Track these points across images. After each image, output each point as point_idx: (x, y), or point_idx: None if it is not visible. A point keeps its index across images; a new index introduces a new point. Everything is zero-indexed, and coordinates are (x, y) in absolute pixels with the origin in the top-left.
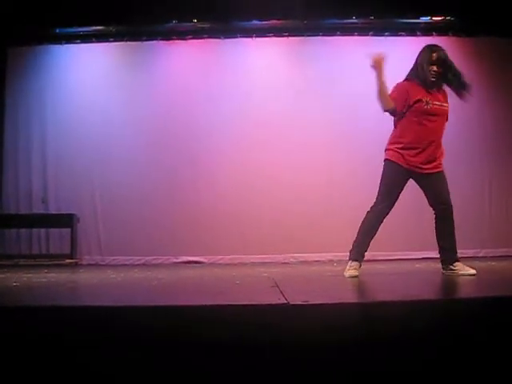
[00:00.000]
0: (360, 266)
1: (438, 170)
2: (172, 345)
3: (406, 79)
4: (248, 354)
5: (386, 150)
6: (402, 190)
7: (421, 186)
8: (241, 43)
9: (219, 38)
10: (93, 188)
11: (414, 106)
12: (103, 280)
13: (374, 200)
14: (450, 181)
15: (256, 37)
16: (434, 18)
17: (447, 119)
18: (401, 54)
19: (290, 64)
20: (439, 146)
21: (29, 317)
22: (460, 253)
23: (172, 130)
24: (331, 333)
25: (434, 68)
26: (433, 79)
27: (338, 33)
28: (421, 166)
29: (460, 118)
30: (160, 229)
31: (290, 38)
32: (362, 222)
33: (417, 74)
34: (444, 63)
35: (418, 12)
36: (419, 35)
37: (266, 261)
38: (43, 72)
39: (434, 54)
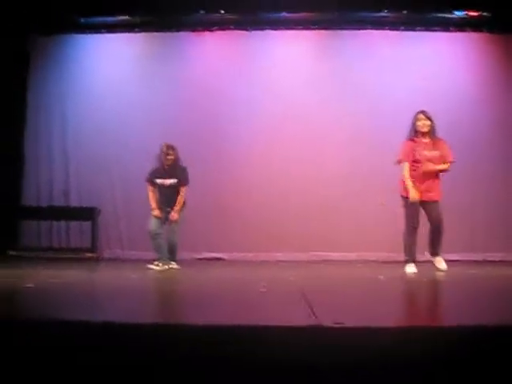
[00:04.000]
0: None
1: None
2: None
3: None
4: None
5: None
6: None
7: None
8: (268, 35)
9: (246, 29)
10: (114, 181)
11: None
12: (120, 284)
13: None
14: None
15: (284, 29)
16: (468, 13)
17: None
18: (432, 50)
19: (318, 58)
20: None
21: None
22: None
23: (196, 123)
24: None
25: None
26: None
27: (369, 26)
28: None
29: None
30: (182, 223)
31: (319, 31)
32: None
33: None
34: None
35: (452, 6)
36: (452, 30)
37: (289, 259)
38: (67, 61)
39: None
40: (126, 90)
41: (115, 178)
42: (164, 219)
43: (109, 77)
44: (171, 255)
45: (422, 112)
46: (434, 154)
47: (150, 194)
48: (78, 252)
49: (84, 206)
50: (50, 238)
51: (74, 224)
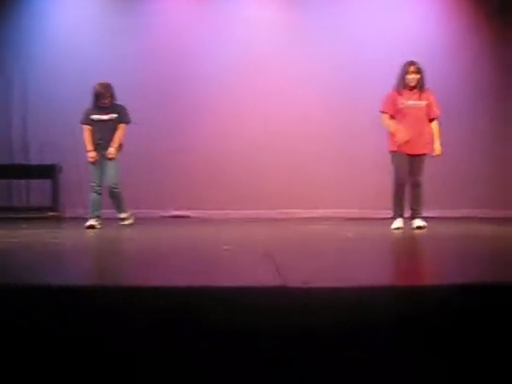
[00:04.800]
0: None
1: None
2: (144, 330)
3: None
4: (236, 340)
5: None
6: None
7: None
8: None
9: None
10: (75, 137)
11: None
12: (80, 243)
13: None
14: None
15: None
16: None
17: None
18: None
19: (290, 6)
20: None
21: None
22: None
23: (164, 78)
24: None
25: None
26: None
27: None
28: None
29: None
30: (147, 181)
31: None
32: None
33: None
34: None
35: None
36: None
37: (256, 216)
38: (23, 16)
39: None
40: (88, 44)
41: (77, 134)
42: (101, 165)
43: (68, 30)
44: (118, 207)
45: (412, 64)
46: (419, 103)
47: (86, 135)
48: (39, 211)
49: (44, 163)
50: (9, 198)
51: (34, 182)
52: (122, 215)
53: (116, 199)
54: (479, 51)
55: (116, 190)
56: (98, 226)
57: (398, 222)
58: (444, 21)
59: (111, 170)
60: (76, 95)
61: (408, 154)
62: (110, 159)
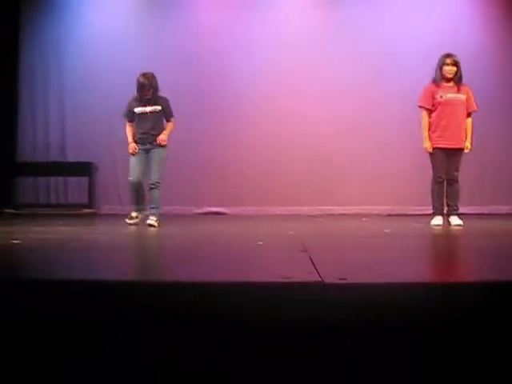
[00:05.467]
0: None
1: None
2: (181, 327)
3: None
4: (272, 336)
5: None
6: None
7: None
8: None
9: None
10: (112, 136)
11: None
12: (115, 239)
13: None
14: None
15: None
16: None
17: None
18: None
19: (321, 6)
20: None
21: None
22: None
23: (195, 79)
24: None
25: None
26: None
27: None
28: None
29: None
30: (182, 178)
31: None
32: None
33: None
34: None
35: None
36: None
37: (292, 213)
38: (60, 17)
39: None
40: (124, 41)
41: (113, 133)
42: (144, 161)
43: (105, 28)
44: (152, 203)
45: (449, 56)
46: (459, 97)
47: (128, 129)
48: (76, 208)
49: (80, 160)
50: (47, 195)
51: (71, 180)
52: (152, 214)
53: (153, 196)
54: None
55: (155, 189)
56: (138, 221)
57: (438, 219)
58: (480, 18)
59: (154, 165)
60: (112, 95)
61: (445, 149)
62: (161, 146)
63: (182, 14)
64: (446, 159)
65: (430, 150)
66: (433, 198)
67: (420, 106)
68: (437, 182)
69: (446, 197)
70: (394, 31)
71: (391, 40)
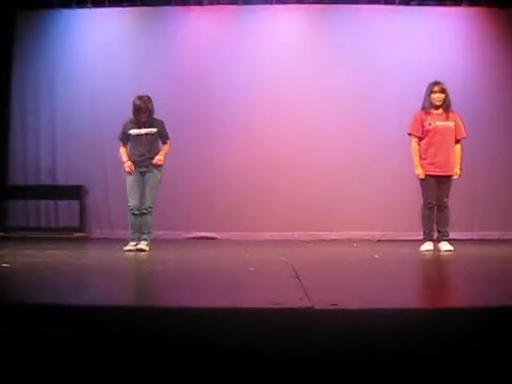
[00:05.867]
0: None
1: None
2: (170, 351)
3: None
4: (262, 362)
5: None
6: None
7: None
8: (259, 10)
9: (236, 3)
10: (103, 159)
11: None
12: (105, 264)
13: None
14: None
15: (275, 3)
16: None
17: None
18: (427, 25)
19: (310, 33)
20: None
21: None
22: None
23: (185, 99)
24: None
25: None
26: None
27: (364, 1)
28: None
29: (487, 92)
30: (172, 203)
31: (312, 5)
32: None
33: None
34: None
35: None
36: (448, 5)
37: (282, 238)
38: (53, 37)
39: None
40: (116, 65)
41: (105, 156)
42: (140, 185)
43: (97, 53)
44: (144, 229)
45: (436, 84)
46: (448, 124)
47: (122, 149)
48: (67, 232)
49: (71, 184)
50: (37, 218)
51: (62, 203)
52: (144, 239)
53: (146, 221)
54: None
55: (148, 214)
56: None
57: (428, 245)
58: (470, 47)
59: (148, 190)
60: (104, 117)
61: (436, 176)
62: (157, 167)
63: (170, 39)
64: (436, 186)
65: (422, 177)
66: (423, 223)
67: (409, 134)
68: (427, 207)
69: (436, 223)
70: (381, 59)
71: (380, 67)
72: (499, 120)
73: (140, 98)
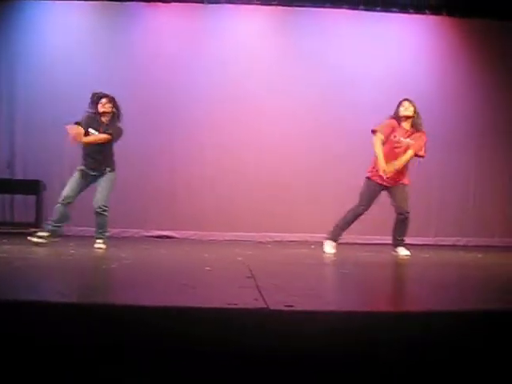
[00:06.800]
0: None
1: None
2: (123, 348)
3: None
4: (215, 362)
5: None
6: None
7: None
8: (225, 9)
9: (202, 2)
10: (62, 154)
11: None
12: (56, 260)
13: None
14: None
15: (241, 3)
16: None
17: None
18: (392, 31)
19: (275, 34)
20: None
21: None
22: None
23: (148, 96)
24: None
25: None
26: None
27: (328, 5)
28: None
29: (449, 100)
30: (131, 200)
31: (278, 7)
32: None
33: None
34: None
35: None
36: (412, 13)
37: (241, 239)
38: (13, 30)
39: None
40: (77, 59)
41: (64, 151)
42: (86, 183)
43: (59, 45)
44: (99, 228)
45: (406, 99)
46: (409, 142)
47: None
48: (22, 227)
49: (29, 178)
50: None
51: (18, 198)
52: (99, 238)
53: (101, 221)
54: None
55: (104, 213)
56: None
57: (332, 247)
58: (433, 55)
59: (103, 190)
60: (64, 111)
61: (384, 185)
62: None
63: (133, 36)
64: (379, 194)
65: (387, 174)
66: (338, 223)
67: (375, 130)
68: (357, 212)
69: (397, 230)
70: (344, 63)
71: (342, 70)
72: (455, 126)
73: (105, 96)
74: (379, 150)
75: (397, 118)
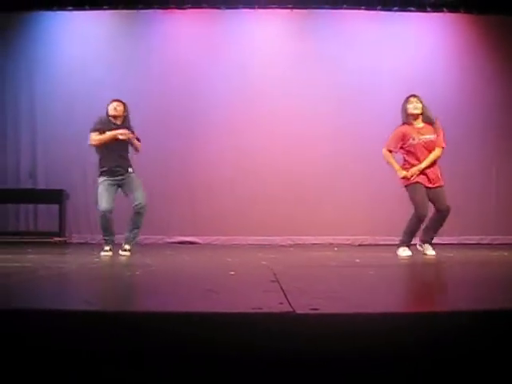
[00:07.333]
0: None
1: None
2: (150, 355)
3: None
4: (243, 368)
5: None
6: None
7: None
8: (242, 14)
9: (219, 8)
10: (84, 163)
11: None
12: (80, 268)
13: None
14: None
15: (258, 8)
16: None
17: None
18: (408, 30)
19: (292, 37)
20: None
21: None
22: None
23: (168, 103)
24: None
25: None
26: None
27: (345, 6)
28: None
29: (467, 97)
30: (154, 207)
31: (294, 10)
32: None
33: None
34: None
35: None
36: (429, 11)
37: (264, 243)
38: (32, 40)
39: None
40: (95, 68)
41: (85, 160)
42: (115, 189)
43: (77, 55)
44: (133, 232)
45: (412, 95)
46: (430, 138)
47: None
48: (46, 236)
49: (51, 188)
50: (17, 222)
51: (42, 207)
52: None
53: (141, 219)
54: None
55: (143, 212)
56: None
57: (407, 251)
58: (451, 52)
59: (138, 187)
60: (85, 121)
61: (426, 187)
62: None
63: (150, 43)
64: (426, 194)
65: (408, 177)
66: (407, 229)
67: (384, 147)
68: (418, 219)
69: (432, 227)
70: (363, 64)
71: (362, 71)
72: (475, 124)
73: (118, 102)
74: (389, 160)
75: (406, 119)
